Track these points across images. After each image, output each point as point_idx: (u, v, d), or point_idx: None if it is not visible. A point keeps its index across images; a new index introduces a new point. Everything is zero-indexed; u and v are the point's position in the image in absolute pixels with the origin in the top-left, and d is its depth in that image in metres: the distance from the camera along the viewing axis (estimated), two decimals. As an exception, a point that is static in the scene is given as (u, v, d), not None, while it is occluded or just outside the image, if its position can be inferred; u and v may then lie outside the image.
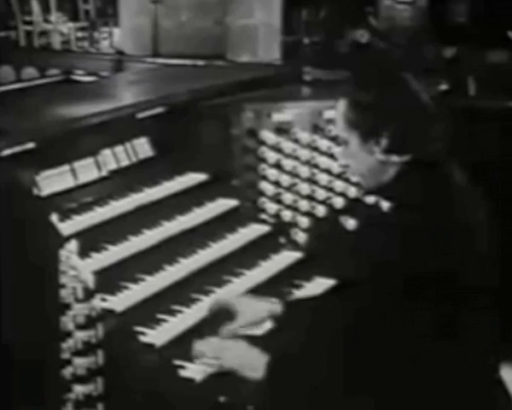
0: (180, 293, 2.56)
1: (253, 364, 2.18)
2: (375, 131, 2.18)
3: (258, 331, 2.40)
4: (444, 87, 4.16)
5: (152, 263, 2.59)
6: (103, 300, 2.36)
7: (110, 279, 2.44)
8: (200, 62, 4.09)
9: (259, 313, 2.38)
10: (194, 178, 2.98)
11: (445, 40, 5.73)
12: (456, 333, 2.04)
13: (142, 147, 2.92)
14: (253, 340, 2.31)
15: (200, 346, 2.29)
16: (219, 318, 2.40)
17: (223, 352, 2.25)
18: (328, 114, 3.12)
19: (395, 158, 2.19)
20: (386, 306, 2.04)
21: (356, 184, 3.15)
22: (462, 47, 5.54)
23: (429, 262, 2.04)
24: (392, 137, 2.18)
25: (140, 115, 2.91)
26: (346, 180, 3.18)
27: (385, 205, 2.17)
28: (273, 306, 2.40)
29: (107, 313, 2.33)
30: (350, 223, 3.16)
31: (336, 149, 3.10)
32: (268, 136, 3.12)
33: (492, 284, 2.12)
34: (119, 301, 2.39)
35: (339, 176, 3.18)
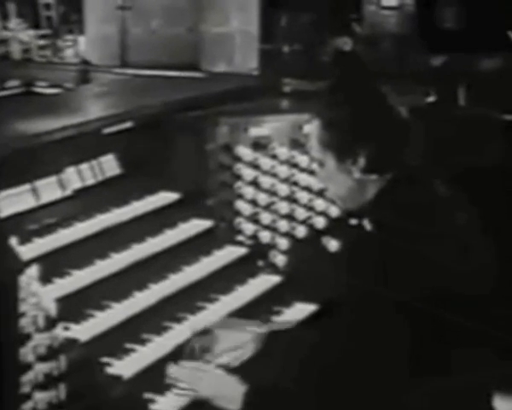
0: (150, 321, 2.57)
1: (230, 394, 2.19)
2: (352, 150, 2.22)
3: (237, 359, 2.42)
4: (431, 98, 4.20)
5: (120, 289, 2.61)
6: (66, 329, 2.36)
7: (74, 307, 2.45)
8: (172, 73, 4.11)
9: (239, 340, 2.41)
10: (165, 197, 3.01)
11: (433, 47, 5.79)
12: (446, 361, 2.08)
13: (110, 164, 2.94)
14: (230, 368, 2.33)
15: (174, 372, 2.30)
16: (196, 346, 2.42)
17: (198, 380, 2.26)
18: (309, 128, 3.13)
19: (374, 177, 2.22)
20: (371, 332, 2.07)
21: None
22: (451, 54, 5.61)
23: (415, 285, 2.07)
24: (370, 156, 2.21)
25: (107, 130, 2.93)
26: (328, 199, 3.20)
27: (367, 225, 2.20)
28: (254, 331, 2.42)
29: (71, 343, 2.33)
30: (332, 244, 3.21)
31: (317, 166, 3.14)
32: (244, 151, 3.15)
33: (484, 307, 2.15)
34: (84, 330, 2.40)
35: (320, 194, 3.23)
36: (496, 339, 2.13)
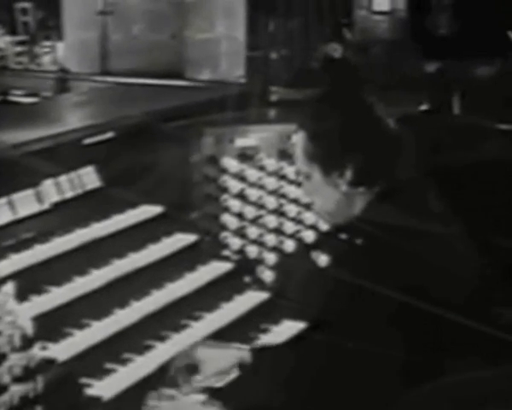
0: (132, 339, 2.57)
1: None
2: (338, 162, 2.23)
3: (221, 383, 2.41)
4: (424, 106, 4.23)
5: (100, 306, 2.60)
6: (44, 348, 2.36)
7: (52, 325, 2.44)
8: (155, 81, 4.13)
9: (225, 363, 2.40)
10: (147, 210, 3.01)
11: (426, 53, 5.83)
12: (436, 376, 2.09)
13: (89, 176, 2.94)
14: (214, 393, 2.33)
15: (154, 401, 2.30)
16: (180, 369, 2.41)
17: None
18: (295, 139, 3.15)
19: (362, 190, 2.23)
20: (361, 350, 2.09)
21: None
22: (445, 61, 5.64)
23: (407, 302, 2.09)
24: (357, 168, 2.22)
25: (87, 141, 2.93)
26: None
27: (356, 240, 2.21)
28: (240, 353, 2.41)
29: (48, 364, 2.33)
30: (322, 259, 3.21)
31: (303, 179, 3.15)
32: (230, 163, 3.17)
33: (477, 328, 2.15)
34: (62, 350, 2.39)
35: (309, 207, 3.21)
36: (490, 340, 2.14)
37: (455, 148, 3.95)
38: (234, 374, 2.40)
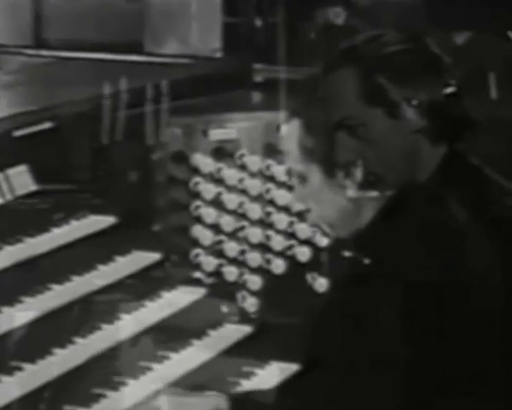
0: (76, 385, 2.59)
1: None
2: (344, 158, 2.23)
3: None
4: (451, 89, 4.27)
5: (35, 344, 2.62)
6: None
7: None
8: (106, 56, 4.13)
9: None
10: (97, 221, 3.02)
11: (452, 21, 5.82)
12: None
13: (22, 178, 2.94)
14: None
15: None
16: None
17: None
18: (287, 129, 3.13)
19: (374, 194, 2.24)
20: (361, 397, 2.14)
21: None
22: (477, 31, 5.64)
23: (430, 338, 2.14)
24: (368, 166, 2.22)
25: (18, 133, 2.93)
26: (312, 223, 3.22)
27: (365, 259, 2.22)
28: (216, 401, 2.41)
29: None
30: (320, 283, 3.26)
31: (296, 181, 3.16)
32: (204, 161, 3.18)
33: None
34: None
35: (303, 216, 3.22)
36: None
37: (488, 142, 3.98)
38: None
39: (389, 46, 2.22)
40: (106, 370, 2.70)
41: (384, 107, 2.22)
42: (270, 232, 3.27)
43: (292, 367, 2.85)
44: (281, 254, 3.27)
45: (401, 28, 2.30)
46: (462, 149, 2.29)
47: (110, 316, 2.83)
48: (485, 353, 2.15)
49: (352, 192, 2.24)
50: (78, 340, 2.71)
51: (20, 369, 2.52)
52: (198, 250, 3.16)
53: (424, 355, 2.12)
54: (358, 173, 2.23)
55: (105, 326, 2.79)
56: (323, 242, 3.28)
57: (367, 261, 2.23)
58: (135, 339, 2.83)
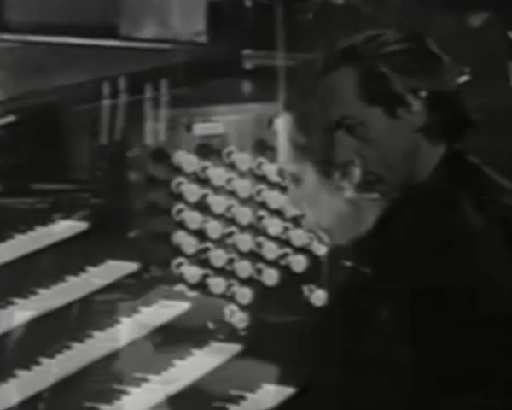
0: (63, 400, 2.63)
1: None
2: (343, 158, 2.27)
3: None
4: (465, 77, 4.28)
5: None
6: None
7: None
8: (76, 40, 4.12)
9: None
10: (66, 227, 3.00)
11: (468, 1, 5.82)
12: None
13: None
14: None
15: None
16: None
17: None
18: (279, 124, 3.02)
19: (374, 196, 2.28)
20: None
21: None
22: (494, 12, 5.65)
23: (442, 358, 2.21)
24: (369, 165, 2.26)
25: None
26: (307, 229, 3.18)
27: (366, 268, 2.26)
28: None
29: None
30: (317, 295, 3.25)
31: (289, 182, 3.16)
32: (187, 159, 3.18)
33: None
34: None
35: (298, 221, 3.24)
36: None
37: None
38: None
39: (388, 46, 2.33)
40: (76, 394, 2.71)
41: (384, 106, 2.28)
42: (262, 239, 3.27)
43: (284, 391, 2.88)
44: (274, 263, 3.27)
45: (401, 28, 2.42)
46: (461, 149, 2.39)
47: (80, 333, 2.82)
48: (491, 352, 2.21)
49: (349, 193, 2.29)
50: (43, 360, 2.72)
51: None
52: (180, 259, 3.16)
53: (434, 356, 2.19)
54: (356, 173, 2.27)
55: (75, 345, 2.79)
56: (321, 250, 3.29)
57: (369, 271, 2.27)
58: (114, 356, 2.83)
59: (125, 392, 2.77)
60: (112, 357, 2.82)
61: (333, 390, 2.27)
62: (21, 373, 2.64)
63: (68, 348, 2.77)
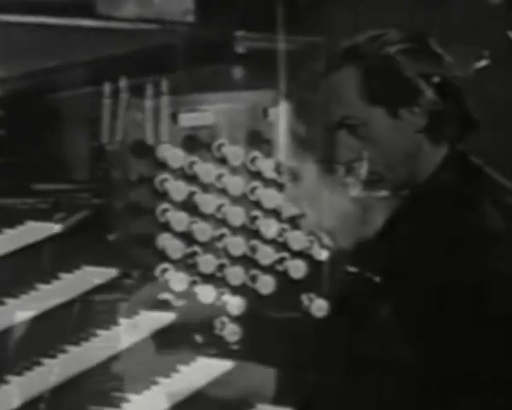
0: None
1: None
2: (348, 151, 2.31)
3: None
4: (484, 62, 4.33)
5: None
6: None
7: None
8: (49, 20, 4.11)
9: None
10: (38, 229, 3.00)
11: None
12: None
13: None
14: None
15: None
16: None
17: None
18: (276, 114, 3.08)
19: (384, 194, 2.30)
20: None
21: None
22: None
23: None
24: (376, 160, 2.31)
25: None
26: (307, 230, 3.22)
27: (374, 275, 2.29)
28: None
29: None
30: (318, 305, 3.23)
31: (287, 178, 3.20)
32: (172, 153, 3.16)
33: None
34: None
35: (296, 222, 3.24)
36: None
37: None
38: None
39: (391, 45, 2.47)
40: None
41: (386, 106, 2.37)
42: (256, 242, 3.27)
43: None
44: (269, 269, 3.27)
45: (403, 28, 2.54)
46: (463, 149, 2.49)
47: (50, 349, 2.82)
48: (500, 352, 2.30)
49: (355, 191, 2.32)
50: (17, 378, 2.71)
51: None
52: (165, 265, 3.15)
53: (444, 357, 2.27)
54: (363, 169, 2.31)
55: (44, 360, 2.79)
56: (322, 254, 3.28)
57: (377, 279, 2.32)
58: (93, 370, 2.83)
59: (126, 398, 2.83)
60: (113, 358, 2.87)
61: (336, 391, 2.37)
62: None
63: (40, 364, 2.78)
